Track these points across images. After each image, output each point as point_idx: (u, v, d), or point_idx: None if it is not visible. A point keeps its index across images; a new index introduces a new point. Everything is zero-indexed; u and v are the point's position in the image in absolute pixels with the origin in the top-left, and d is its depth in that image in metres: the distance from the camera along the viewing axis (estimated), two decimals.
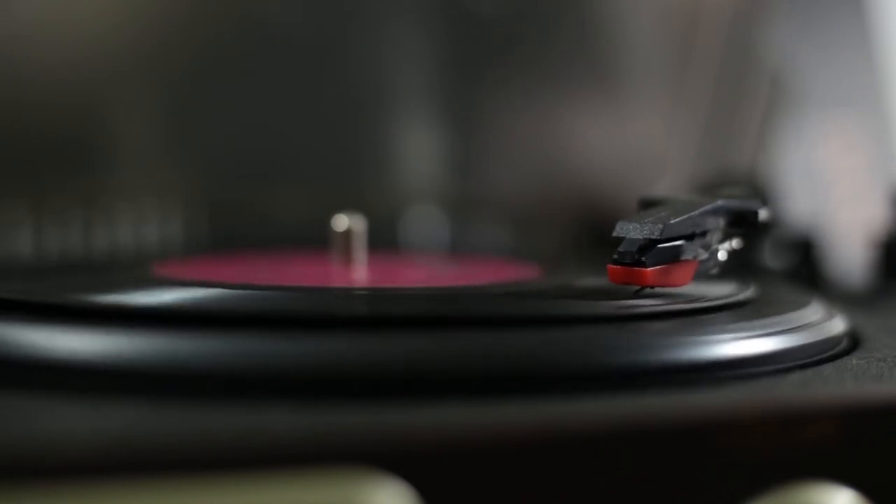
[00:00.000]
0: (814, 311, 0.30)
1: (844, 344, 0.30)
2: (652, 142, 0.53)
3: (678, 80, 0.53)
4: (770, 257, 0.43)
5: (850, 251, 0.46)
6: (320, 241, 0.38)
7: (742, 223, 0.31)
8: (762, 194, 0.42)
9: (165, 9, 0.48)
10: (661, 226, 0.29)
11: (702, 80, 0.52)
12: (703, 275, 0.30)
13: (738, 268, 0.34)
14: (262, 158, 0.50)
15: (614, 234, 0.29)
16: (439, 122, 0.52)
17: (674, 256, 0.29)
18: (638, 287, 0.29)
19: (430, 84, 0.51)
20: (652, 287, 0.29)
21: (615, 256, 0.29)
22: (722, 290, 0.31)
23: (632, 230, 0.29)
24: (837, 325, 0.30)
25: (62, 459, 0.20)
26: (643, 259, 0.28)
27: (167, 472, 0.20)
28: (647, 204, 0.31)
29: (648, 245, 0.29)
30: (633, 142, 0.53)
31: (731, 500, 0.23)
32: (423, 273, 0.40)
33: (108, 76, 0.47)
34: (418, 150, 0.51)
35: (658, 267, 0.29)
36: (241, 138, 0.49)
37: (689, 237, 0.30)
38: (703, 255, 0.30)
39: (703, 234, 0.30)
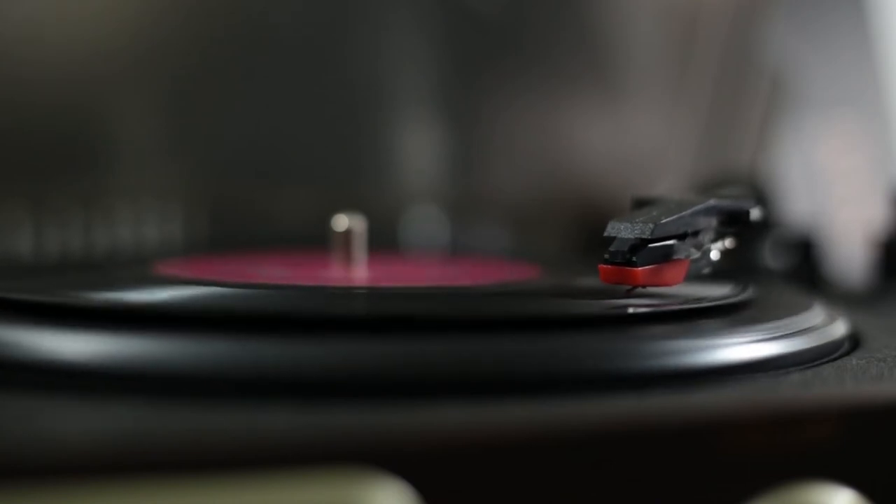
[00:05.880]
0: (816, 315, 0.30)
1: (846, 347, 0.30)
2: (652, 142, 0.53)
3: (678, 80, 0.53)
4: (770, 257, 0.43)
5: (850, 251, 0.46)
6: (320, 240, 0.38)
7: (734, 223, 0.31)
8: (762, 194, 0.42)
9: (166, 9, 0.48)
10: (652, 225, 0.29)
11: (702, 80, 0.52)
12: (695, 274, 0.30)
13: (738, 268, 0.34)
14: (263, 158, 0.50)
15: (605, 233, 0.29)
16: (439, 122, 0.52)
17: (665, 256, 0.29)
18: (629, 286, 0.29)
19: (430, 84, 0.51)
20: (643, 286, 0.29)
21: (606, 256, 0.29)
22: (722, 292, 0.31)
23: (623, 230, 0.29)
24: (839, 329, 0.30)
25: (62, 459, 0.20)
26: (634, 259, 0.29)
27: (167, 472, 0.20)
28: (640, 203, 0.31)
29: (639, 244, 0.29)
30: (633, 142, 0.53)
31: (731, 500, 0.23)
32: (422, 273, 0.40)
33: (109, 76, 0.47)
34: (418, 150, 0.51)
35: (649, 266, 0.29)
36: (241, 138, 0.49)
37: (681, 237, 0.30)
38: (695, 255, 0.30)
39: (696, 233, 0.30)
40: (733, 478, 0.23)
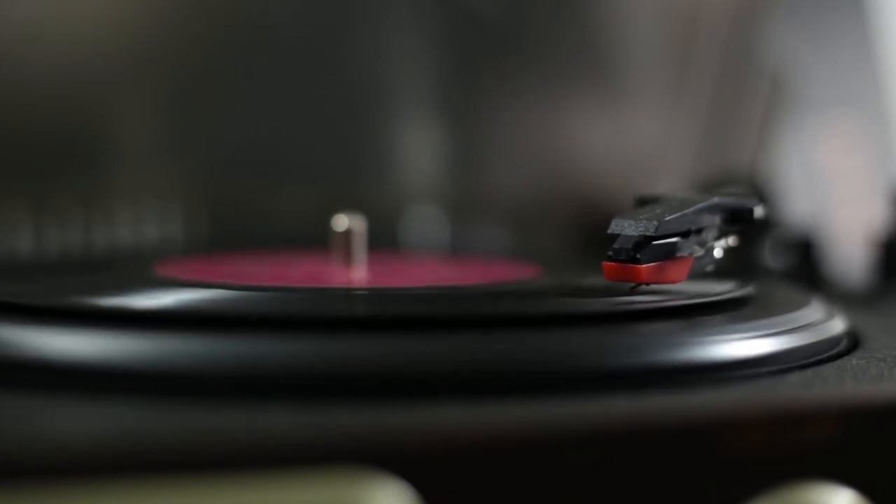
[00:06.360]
0: (814, 311, 0.30)
1: (844, 344, 0.30)
2: (652, 142, 0.53)
3: (678, 80, 0.53)
4: (770, 257, 0.43)
5: (850, 251, 0.46)
6: (320, 240, 0.38)
7: (738, 220, 0.31)
8: (762, 194, 0.42)
9: (166, 9, 0.48)
10: (656, 222, 0.29)
11: (702, 80, 0.52)
12: (698, 272, 0.30)
13: (738, 267, 0.34)
14: (263, 158, 0.50)
15: (609, 230, 0.29)
16: (439, 122, 0.52)
17: (669, 253, 0.29)
18: (633, 284, 0.29)
19: (430, 84, 0.51)
20: (647, 284, 0.29)
21: (610, 253, 0.29)
22: (722, 288, 0.31)
23: (627, 227, 0.29)
24: (837, 325, 0.30)
25: (62, 459, 0.20)
26: (638, 256, 0.29)
27: (167, 472, 0.20)
28: (643, 201, 0.31)
29: (643, 242, 0.29)
30: (633, 142, 0.53)
31: (731, 500, 0.23)
32: (422, 273, 0.40)
33: (109, 76, 0.47)
34: (418, 150, 0.51)
35: (653, 264, 0.29)
36: (241, 138, 0.49)
37: (685, 234, 0.30)
38: (699, 252, 0.30)
39: (699, 231, 0.30)
40: (733, 478, 0.23)
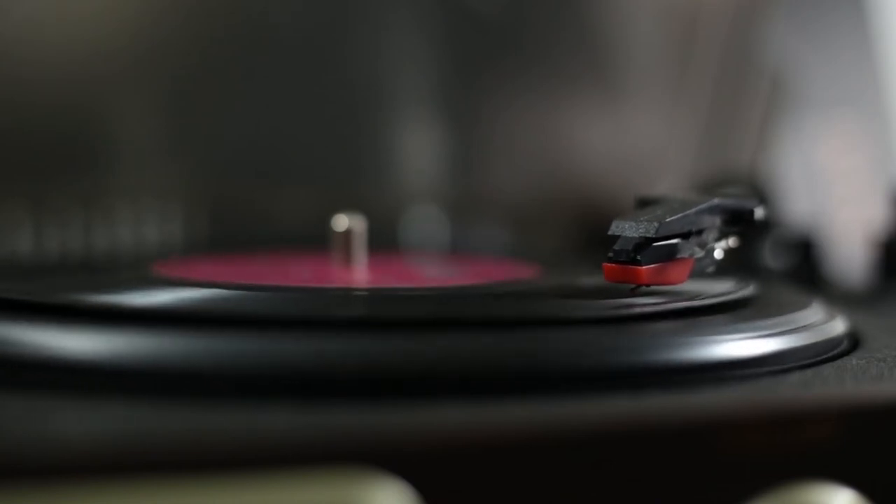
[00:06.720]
0: (814, 312, 0.30)
1: (845, 344, 0.30)
2: (652, 142, 0.53)
3: (678, 80, 0.53)
4: (770, 257, 0.43)
5: (850, 251, 0.46)
6: (320, 241, 0.38)
7: (738, 222, 0.31)
8: (762, 194, 0.42)
9: (166, 9, 0.48)
10: (656, 224, 0.29)
11: (702, 80, 0.52)
12: (699, 273, 0.30)
13: (738, 268, 0.34)
14: (263, 158, 0.50)
15: (610, 232, 0.29)
16: (439, 122, 0.52)
17: (669, 255, 0.29)
18: (633, 285, 0.29)
19: (430, 84, 0.51)
20: (647, 285, 0.29)
21: (610, 255, 0.29)
22: (722, 288, 0.31)
23: (627, 228, 0.29)
24: (838, 326, 0.30)
25: (62, 459, 0.20)
26: (638, 257, 0.29)
27: (167, 472, 0.20)
28: (644, 202, 0.31)
29: (644, 243, 0.29)
30: (633, 142, 0.53)
31: (731, 500, 0.23)
32: (422, 273, 0.40)
33: (109, 76, 0.47)
34: (418, 150, 0.51)
35: (653, 265, 0.29)
36: (241, 138, 0.49)
37: (685, 235, 0.30)
38: (699, 254, 0.30)
39: (700, 232, 0.30)
40: (733, 478, 0.23)
